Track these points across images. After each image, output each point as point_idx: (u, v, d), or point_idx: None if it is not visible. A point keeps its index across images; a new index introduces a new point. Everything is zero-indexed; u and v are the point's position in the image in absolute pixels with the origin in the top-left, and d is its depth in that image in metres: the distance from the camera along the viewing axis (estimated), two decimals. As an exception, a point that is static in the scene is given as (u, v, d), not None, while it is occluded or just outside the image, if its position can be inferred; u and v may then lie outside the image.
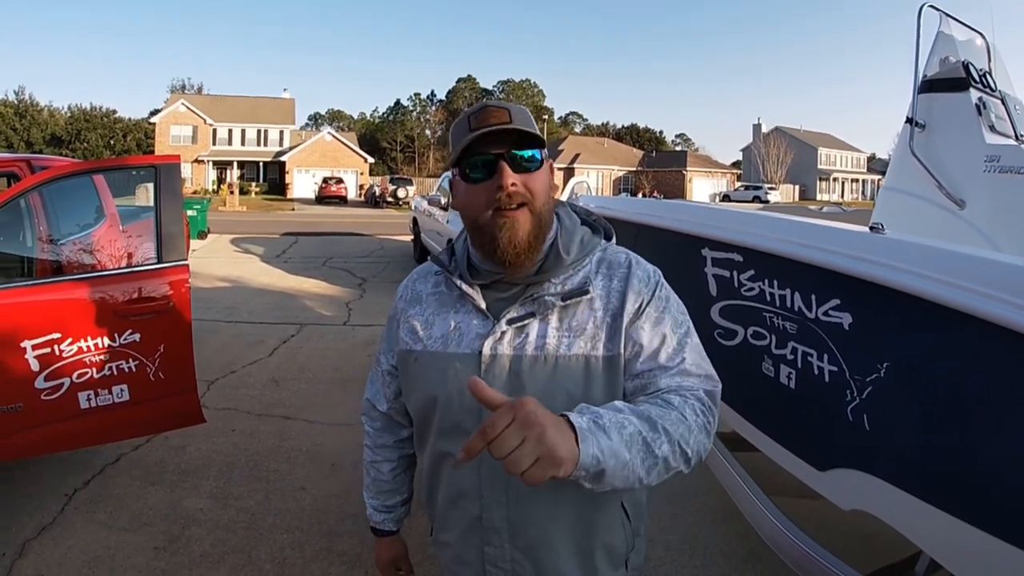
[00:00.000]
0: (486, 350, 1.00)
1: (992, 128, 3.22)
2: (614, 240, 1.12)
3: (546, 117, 63.68)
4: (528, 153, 0.98)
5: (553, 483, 0.97)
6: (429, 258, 1.14)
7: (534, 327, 1.00)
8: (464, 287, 1.04)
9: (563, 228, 1.07)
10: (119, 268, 2.88)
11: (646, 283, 1.03)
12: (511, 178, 0.96)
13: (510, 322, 1.00)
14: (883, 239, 1.76)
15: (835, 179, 56.06)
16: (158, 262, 2.86)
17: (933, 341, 1.58)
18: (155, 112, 48.29)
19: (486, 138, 0.96)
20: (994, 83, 3.47)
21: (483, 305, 1.03)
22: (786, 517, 2.13)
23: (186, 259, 2.93)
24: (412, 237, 12.10)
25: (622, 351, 0.99)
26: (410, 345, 1.09)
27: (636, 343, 0.99)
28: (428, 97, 74.87)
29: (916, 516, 1.62)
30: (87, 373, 2.71)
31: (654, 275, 1.06)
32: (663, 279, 1.07)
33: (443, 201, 9.13)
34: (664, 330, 1.00)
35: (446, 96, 73.57)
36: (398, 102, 75.25)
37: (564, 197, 5.47)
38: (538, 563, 1.03)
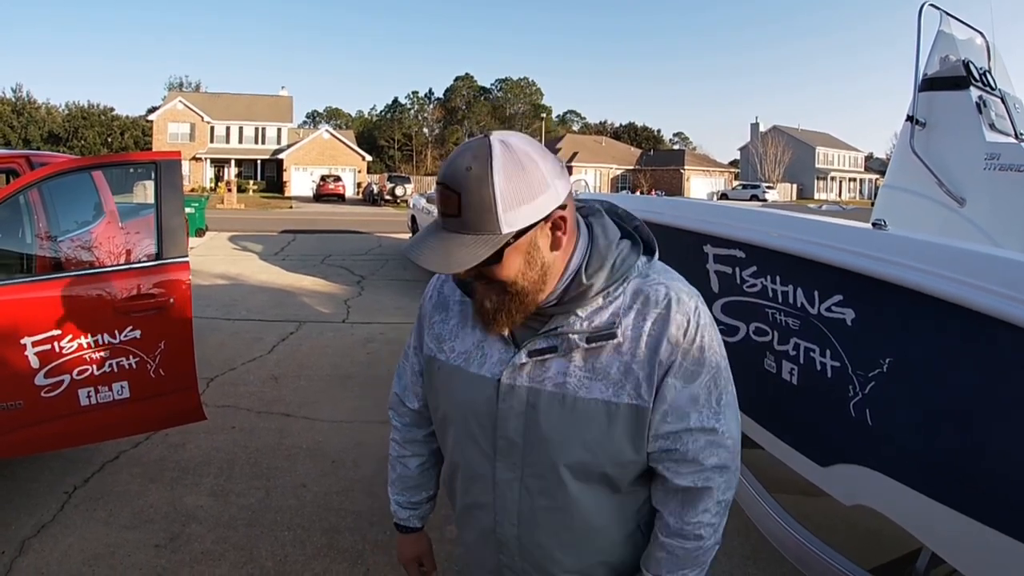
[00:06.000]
0: (505, 379, 0.96)
1: (992, 126, 3.24)
2: (656, 256, 1.00)
3: (544, 116, 63.59)
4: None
5: (562, 510, 1.00)
6: (454, 281, 1.06)
7: (555, 363, 0.94)
8: None
9: (595, 249, 0.94)
10: (119, 264, 2.87)
11: (684, 331, 0.92)
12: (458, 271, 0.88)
13: (531, 354, 0.95)
14: (886, 235, 1.77)
15: (833, 178, 56.09)
16: (159, 258, 2.85)
17: (935, 336, 1.59)
18: (153, 110, 48.31)
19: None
20: (994, 81, 3.48)
21: (505, 331, 0.97)
22: (788, 514, 2.14)
23: (187, 255, 2.92)
24: (410, 235, 12.10)
25: (650, 403, 0.93)
26: (435, 352, 1.08)
27: (666, 400, 0.93)
28: (426, 95, 74.89)
29: (918, 511, 1.63)
30: (87, 370, 2.70)
31: (695, 316, 0.94)
32: (704, 314, 0.96)
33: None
34: (698, 390, 0.93)
35: (444, 94, 73.60)
36: (396, 100, 75.47)
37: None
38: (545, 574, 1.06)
